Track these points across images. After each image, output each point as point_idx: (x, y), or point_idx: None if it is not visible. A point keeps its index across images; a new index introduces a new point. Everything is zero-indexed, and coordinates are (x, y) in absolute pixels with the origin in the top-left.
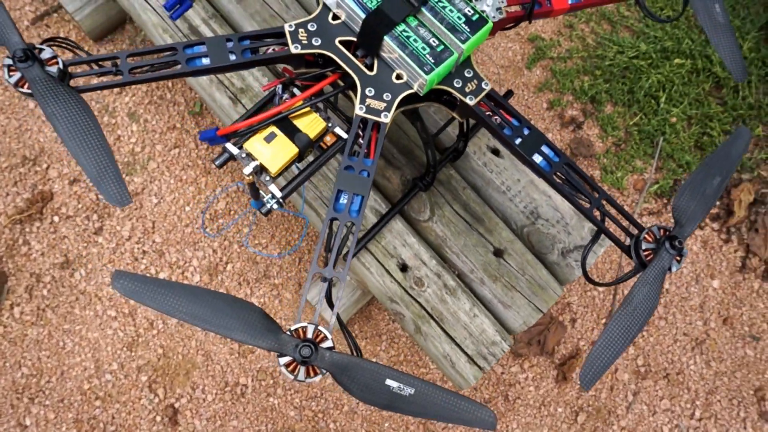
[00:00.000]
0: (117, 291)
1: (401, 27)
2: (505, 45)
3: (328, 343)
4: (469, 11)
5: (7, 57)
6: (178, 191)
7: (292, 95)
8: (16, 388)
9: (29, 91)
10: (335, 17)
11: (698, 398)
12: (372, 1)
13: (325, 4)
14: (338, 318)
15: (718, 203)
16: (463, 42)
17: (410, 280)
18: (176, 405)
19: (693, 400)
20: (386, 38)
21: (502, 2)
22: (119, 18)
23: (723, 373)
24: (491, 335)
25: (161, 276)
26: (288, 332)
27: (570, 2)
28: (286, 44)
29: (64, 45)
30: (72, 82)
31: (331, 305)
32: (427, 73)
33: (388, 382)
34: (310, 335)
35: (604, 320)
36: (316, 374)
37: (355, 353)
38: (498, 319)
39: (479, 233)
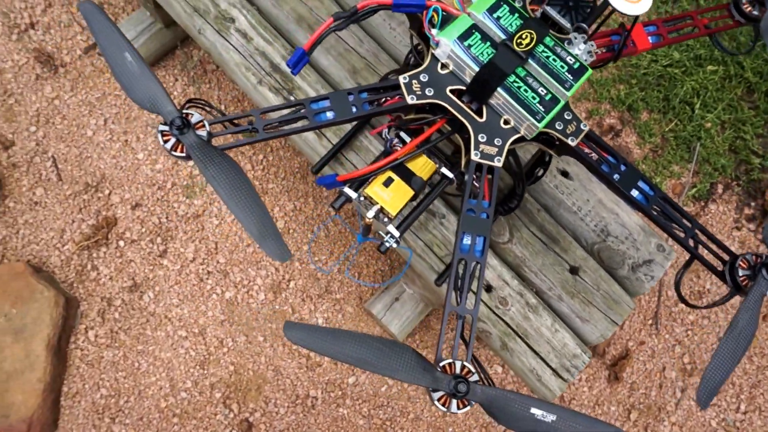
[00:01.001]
0: (290, 340)
1: (511, 78)
2: None
3: (474, 377)
4: (570, 60)
5: (162, 124)
6: None
7: (399, 138)
8: (96, 408)
9: (182, 154)
10: (443, 67)
11: (742, 393)
12: (483, 55)
13: (433, 56)
14: (473, 356)
15: (753, 204)
16: (567, 90)
17: (495, 300)
18: (251, 419)
19: (737, 395)
20: (498, 88)
21: (593, 46)
22: (172, 44)
23: (765, 368)
24: (572, 348)
25: (227, 295)
26: (439, 369)
27: (651, 41)
28: (402, 95)
29: (200, 105)
30: (213, 141)
31: (465, 343)
32: (539, 121)
33: (533, 410)
34: (458, 371)
35: (650, 321)
36: (465, 406)
37: (490, 385)
38: (577, 333)
39: (555, 252)
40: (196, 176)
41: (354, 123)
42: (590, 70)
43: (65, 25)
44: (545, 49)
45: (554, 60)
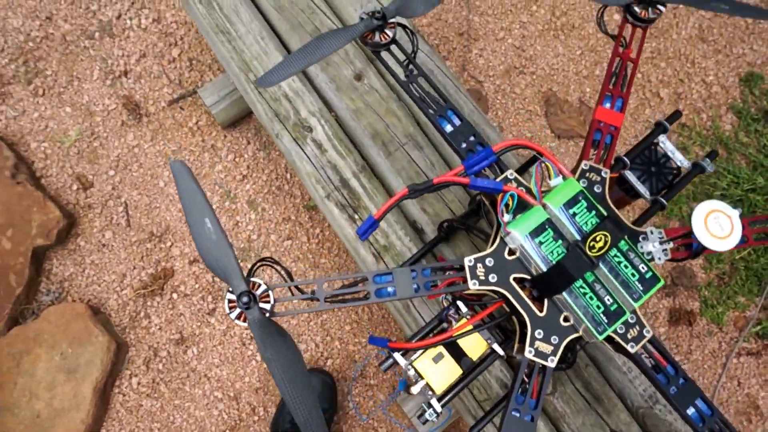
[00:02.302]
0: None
1: (578, 282)
2: None
3: None
4: (643, 268)
5: (229, 292)
6: None
7: (456, 307)
8: None
9: (245, 324)
10: (511, 252)
11: None
12: (553, 254)
13: (501, 239)
14: None
15: None
16: (636, 300)
17: None
18: None
19: None
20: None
21: (669, 244)
22: (249, 109)
23: None
24: None
25: (264, 365)
26: None
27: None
28: (465, 277)
29: (270, 264)
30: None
31: None
32: (600, 333)
33: None
34: None
35: None
36: None
37: None
38: None
39: (597, 413)
40: (253, 241)
41: (415, 253)
42: (662, 281)
43: (155, 77)
44: (618, 254)
45: (626, 266)
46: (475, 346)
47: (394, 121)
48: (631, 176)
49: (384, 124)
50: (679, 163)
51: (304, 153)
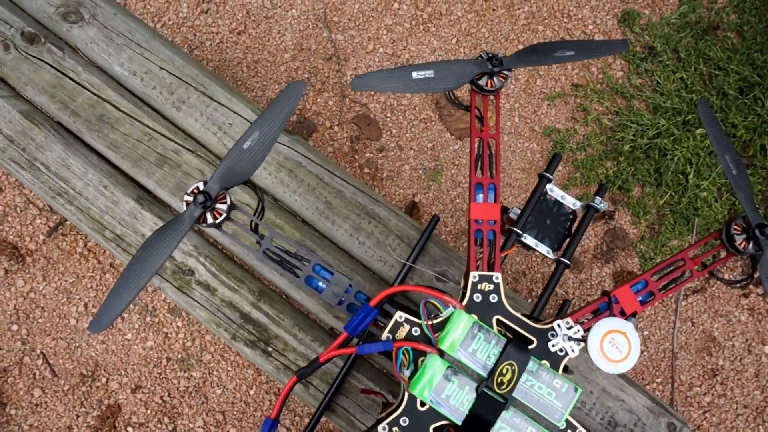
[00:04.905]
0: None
1: (497, 425)
2: (522, 145)
3: None
4: (557, 383)
5: None
6: (239, 377)
7: None
8: None
9: None
10: (422, 403)
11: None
12: (463, 404)
13: (410, 394)
14: None
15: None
16: (558, 420)
17: None
18: None
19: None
20: None
21: (578, 332)
22: None
23: None
24: None
25: None
26: None
27: (641, 301)
28: None
29: None
30: None
31: None
32: None
33: None
34: None
35: None
36: None
37: None
38: None
39: None
40: (189, 348)
41: (342, 368)
42: (580, 390)
43: (21, 209)
44: (529, 378)
45: (539, 388)
46: None
47: (278, 231)
48: (529, 240)
49: None
50: (572, 207)
51: (194, 300)
